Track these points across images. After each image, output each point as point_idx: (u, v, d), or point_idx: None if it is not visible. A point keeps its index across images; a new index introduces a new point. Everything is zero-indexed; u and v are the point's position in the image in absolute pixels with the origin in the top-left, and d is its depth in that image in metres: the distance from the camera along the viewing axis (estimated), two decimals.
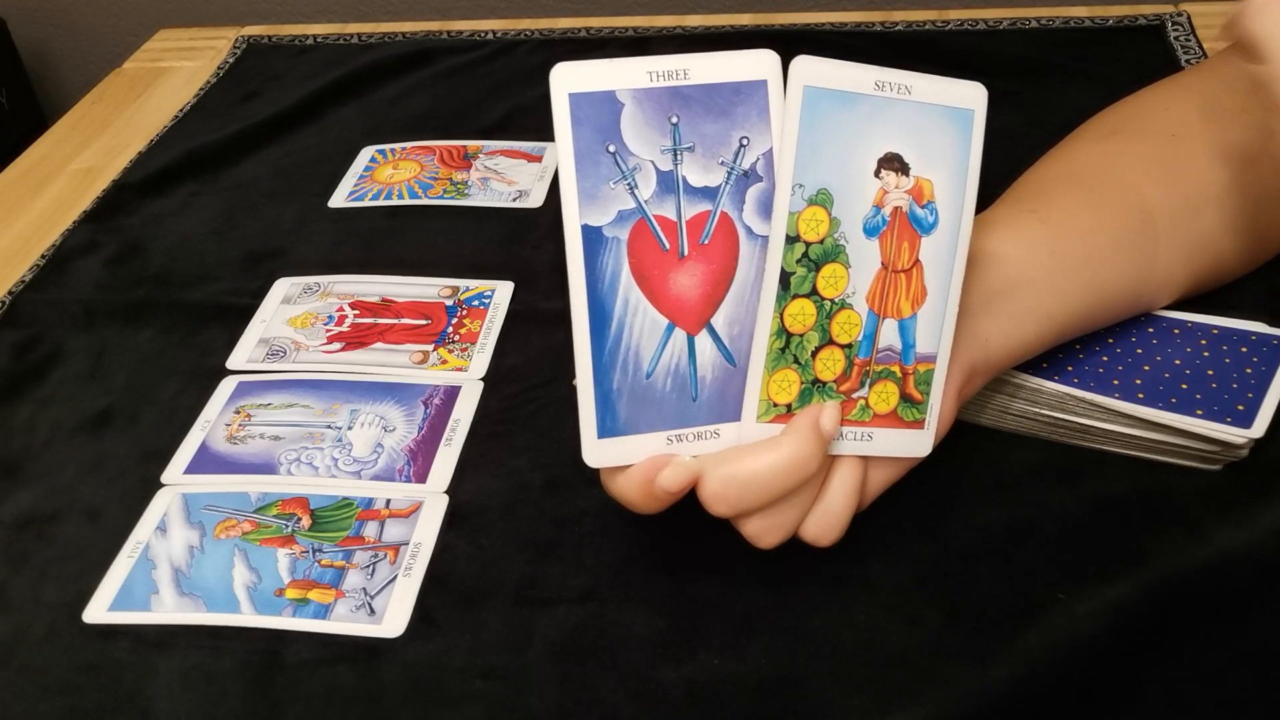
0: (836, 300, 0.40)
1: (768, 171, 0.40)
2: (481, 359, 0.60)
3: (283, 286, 0.66)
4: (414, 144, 0.79)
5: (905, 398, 0.42)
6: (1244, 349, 0.50)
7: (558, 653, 0.45)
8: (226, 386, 0.59)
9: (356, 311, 0.64)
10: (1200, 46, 0.79)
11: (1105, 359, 0.47)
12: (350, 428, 0.56)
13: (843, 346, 0.41)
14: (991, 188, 0.48)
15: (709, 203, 0.40)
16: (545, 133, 0.78)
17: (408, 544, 0.50)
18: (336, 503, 0.52)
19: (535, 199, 0.72)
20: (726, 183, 0.40)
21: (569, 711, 0.43)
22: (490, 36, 0.92)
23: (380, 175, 0.76)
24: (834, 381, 0.41)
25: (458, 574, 0.48)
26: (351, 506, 0.52)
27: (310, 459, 0.54)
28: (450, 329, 0.62)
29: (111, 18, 1.29)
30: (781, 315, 0.40)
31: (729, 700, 0.42)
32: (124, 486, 0.54)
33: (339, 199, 0.74)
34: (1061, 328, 0.46)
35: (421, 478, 0.53)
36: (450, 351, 0.60)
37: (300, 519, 0.51)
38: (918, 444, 0.43)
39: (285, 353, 0.61)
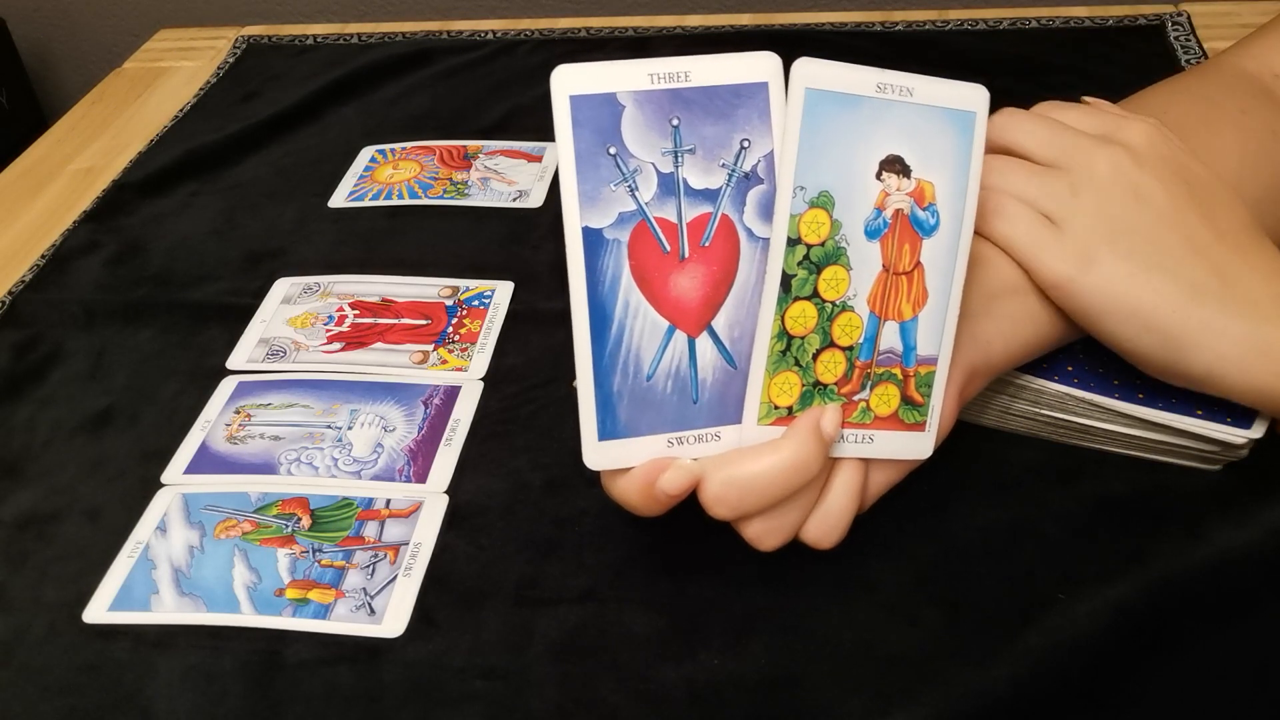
0: (837, 303, 0.40)
1: (769, 174, 0.40)
2: (481, 359, 0.60)
3: (283, 286, 0.66)
4: (414, 144, 0.79)
5: (906, 400, 0.42)
6: None
7: (558, 653, 0.45)
8: (226, 386, 0.59)
9: (356, 311, 0.64)
10: (1200, 46, 0.79)
11: (1106, 359, 0.47)
12: (350, 428, 0.56)
13: (844, 349, 0.41)
14: None
15: (710, 205, 0.40)
16: (545, 133, 0.78)
17: (408, 544, 0.50)
18: (336, 503, 0.52)
19: (535, 199, 0.72)
20: (727, 185, 0.40)
21: (569, 711, 0.43)
22: (490, 36, 0.92)
23: (380, 175, 0.76)
24: (835, 384, 0.41)
25: (458, 574, 0.48)
26: (351, 506, 0.52)
27: (310, 459, 0.54)
28: (450, 329, 0.62)
29: (111, 18, 1.29)
30: (782, 317, 0.40)
31: (729, 700, 0.42)
32: (124, 486, 0.54)
33: (339, 199, 0.74)
34: (1062, 331, 0.46)
35: (421, 478, 0.53)
36: (450, 351, 0.60)
37: (300, 519, 0.51)
38: (918, 446, 0.43)
39: (285, 353, 0.61)
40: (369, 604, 0.47)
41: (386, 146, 0.79)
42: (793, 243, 0.39)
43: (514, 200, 0.72)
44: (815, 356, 0.41)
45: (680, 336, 0.40)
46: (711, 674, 0.43)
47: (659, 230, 0.39)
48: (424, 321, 0.62)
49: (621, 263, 0.39)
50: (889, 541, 0.47)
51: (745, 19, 0.92)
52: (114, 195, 0.76)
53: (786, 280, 0.39)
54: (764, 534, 0.42)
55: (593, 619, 0.46)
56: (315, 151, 0.80)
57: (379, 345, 0.61)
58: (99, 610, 0.48)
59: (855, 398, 0.42)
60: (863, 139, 0.39)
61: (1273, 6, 0.84)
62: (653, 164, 0.39)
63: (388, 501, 0.52)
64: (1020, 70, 0.79)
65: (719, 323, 0.40)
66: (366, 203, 0.74)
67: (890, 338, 0.42)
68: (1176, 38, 0.81)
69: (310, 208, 0.74)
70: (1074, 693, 0.41)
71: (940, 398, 0.43)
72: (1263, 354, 0.43)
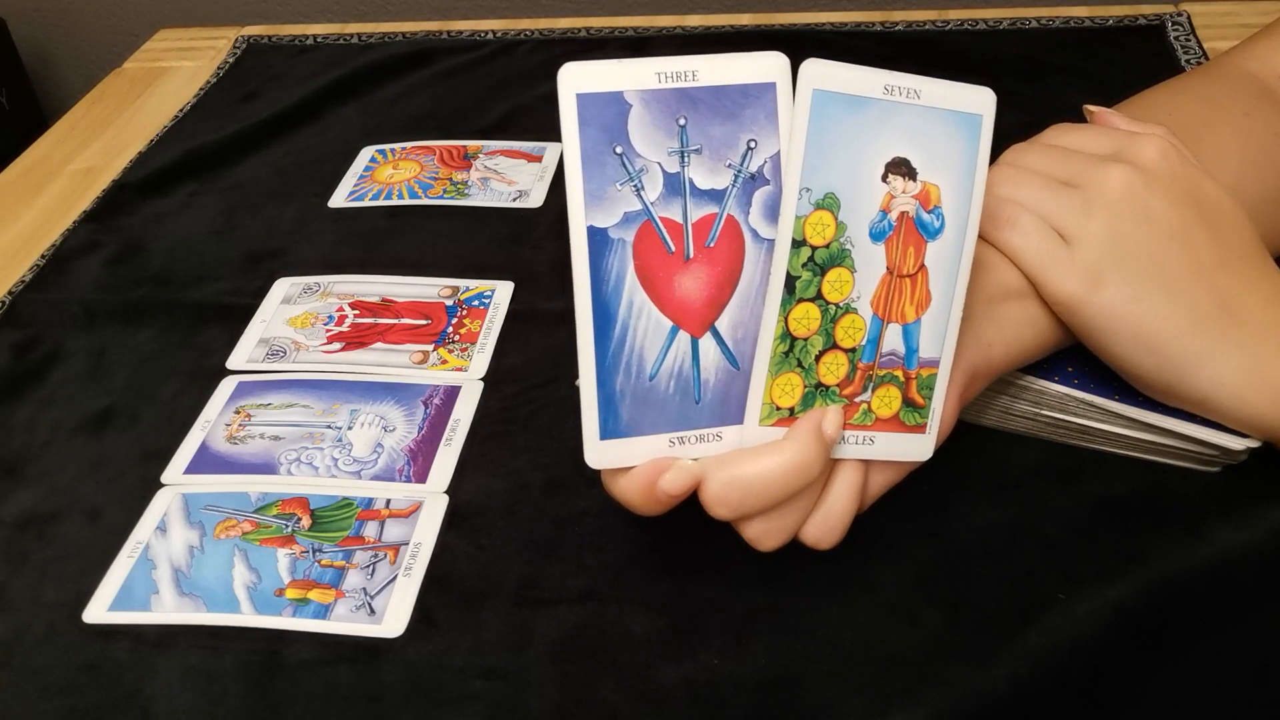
0: (841, 304, 0.40)
1: (775, 175, 0.40)
2: (481, 359, 0.60)
3: (283, 286, 0.66)
4: (414, 144, 0.79)
5: (907, 402, 0.42)
6: None
7: (558, 653, 0.45)
8: (226, 386, 0.59)
9: (356, 311, 0.64)
10: (1200, 46, 0.79)
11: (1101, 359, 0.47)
12: (350, 428, 0.56)
13: (846, 350, 0.41)
14: None
15: (715, 205, 0.40)
16: (545, 133, 0.78)
17: (408, 544, 0.50)
18: (336, 503, 0.52)
19: (535, 199, 0.72)
20: (733, 185, 0.39)
21: (569, 711, 0.43)
22: (490, 36, 0.92)
23: (380, 175, 0.76)
24: (837, 385, 0.41)
25: (458, 574, 0.48)
26: (351, 506, 0.52)
27: (310, 459, 0.54)
28: (450, 329, 0.62)
29: (111, 18, 1.29)
30: (786, 319, 0.40)
31: (729, 700, 0.42)
32: (124, 486, 0.54)
33: (339, 199, 0.74)
34: (1062, 336, 0.46)
35: (421, 478, 0.53)
36: (450, 351, 0.60)
37: (300, 519, 0.51)
38: (919, 448, 0.43)
39: (285, 353, 0.61)
40: (369, 604, 0.47)
41: (386, 146, 0.79)
42: (798, 244, 0.39)
43: (514, 200, 0.72)
44: (818, 358, 0.41)
45: (684, 337, 0.40)
46: (711, 674, 0.43)
47: (664, 230, 0.39)
48: (424, 321, 0.62)
49: (626, 262, 0.39)
50: (889, 541, 0.47)
51: (745, 19, 0.92)
52: (114, 195, 0.76)
53: (791, 282, 0.39)
54: (764, 534, 0.42)
55: (593, 619, 0.46)
56: (315, 151, 0.80)
57: (379, 345, 0.61)
58: (99, 610, 0.48)
59: (857, 399, 0.42)
60: (869, 141, 0.39)
61: (1274, 6, 0.84)
62: (659, 163, 0.39)
63: (388, 501, 0.52)
64: (1020, 70, 0.79)
65: (722, 323, 0.40)
66: (366, 203, 0.74)
67: (893, 340, 0.42)
68: (1176, 38, 0.81)
69: (310, 208, 0.74)
70: (1074, 693, 0.41)
71: (941, 400, 0.43)
72: (1260, 382, 0.44)
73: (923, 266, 0.41)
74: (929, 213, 0.41)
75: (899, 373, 0.42)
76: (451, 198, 0.73)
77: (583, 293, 0.39)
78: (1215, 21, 0.82)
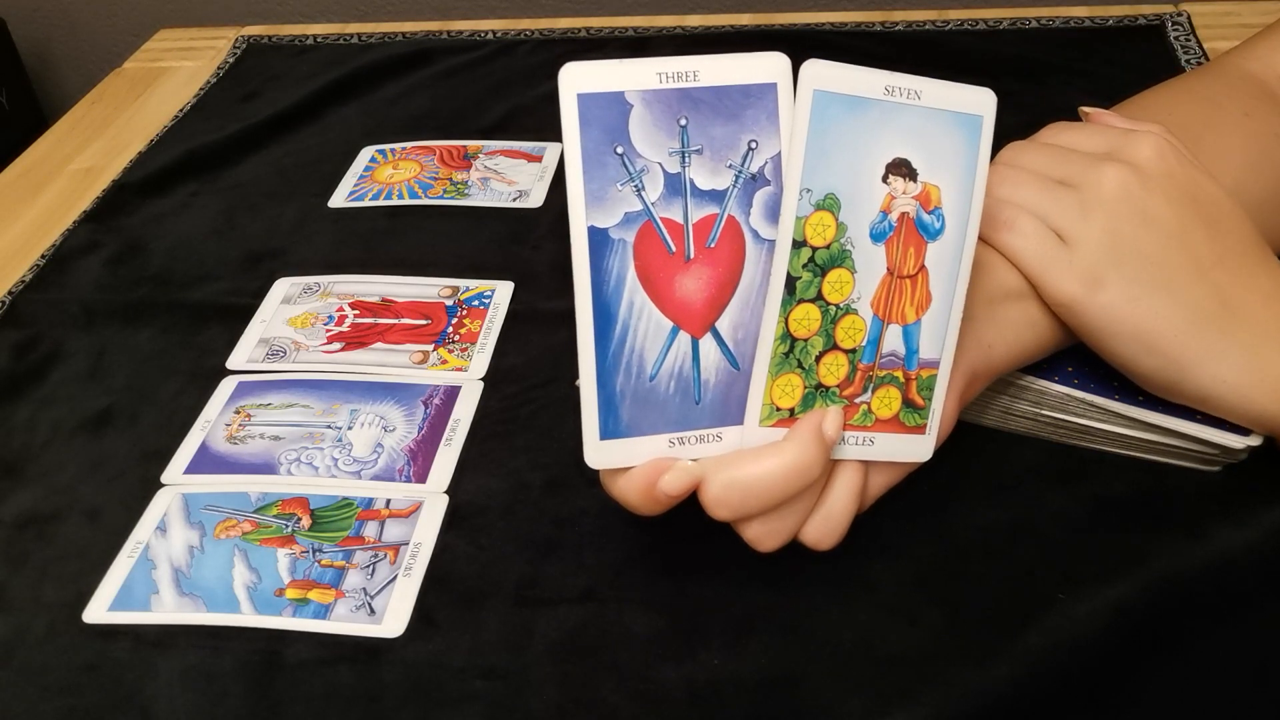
0: (841, 305, 0.40)
1: (775, 175, 0.40)
2: (481, 359, 0.60)
3: (283, 286, 0.66)
4: (414, 144, 0.79)
5: (907, 403, 0.42)
6: None
7: (558, 653, 0.45)
8: (226, 386, 0.59)
9: (356, 311, 0.64)
10: (1200, 46, 0.79)
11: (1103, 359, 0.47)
12: (350, 428, 0.56)
13: (847, 351, 0.41)
14: None
15: (716, 206, 0.40)
16: (545, 133, 0.78)
17: (408, 544, 0.50)
18: (336, 503, 0.52)
19: (535, 199, 0.72)
20: (734, 186, 0.39)
21: (569, 711, 0.43)
22: (490, 36, 0.92)
23: (380, 175, 0.76)
24: (837, 386, 0.41)
25: (458, 574, 0.48)
26: (351, 506, 0.52)
27: (310, 459, 0.54)
28: (450, 329, 0.62)
29: (111, 18, 1.29)
30: (786, 320, 0.40)
31: (729, 700, 0.42)
32: (124, 486, 0.54)
33: (339, 199, 0.74)
34: (1062, 336, 0.46)
35: (421, 478, 0.53)
36: (450, 351, 0.60)
37: (300, 519, 0.51)
38: (918, 449, 0.43)
39: (285, 353, 0.61)
40: (369, 604, 0.47)
41: (386, 146, 0.79)
42: (798, 245, 0.39)
43: (514, 200, 0.72)
44: (818, 359, 0.41)
45: (684, 337, 0.40)
46: (711, 674, 0.43)
47: (665, 231, 0.39)
48: (424, 321, 0.62)
49: (627, 263, 0.39)
50: (889, 541, 0.47)
51: (745, 19, 0.92)
52: (114, 195, 0.76)
53: (791, 282, 0.39)
54: (764, 535, 0.42)
55: (593, 619, 0.46)
56: (315, 151, 0.80)
57: (379, 345, 0.61)
58: (99, 610, 0.48)
59: (857, 400, 0.42)
60: (870, 142, 0.39)
61: (1274, 6, 0.84)
62: (660, 164, 0.39)
63: (388, 501, 0.52)
64: (1020, 70, 0.79)
65: (723, 324, 0.40)
66: (366, 203, 0.74)
67: (893, 341, 0.42)
68: (1176, 38, 0.81)
69: (310, 208, 0.74)
70: (1074, 693, 0.41)
71: (941, 401, 0.43)
72: (1261, 379, 0.44)
73: (923, 267, 0.41)
74: (929, 213, 0.41)
75: (899, 373, 0.42)
76: (451, 198, 0.73)
77: (583, 293, 0.39)
78: (1215, 21, 0.82)
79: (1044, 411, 0.49)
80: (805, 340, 0.40)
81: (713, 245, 0.40)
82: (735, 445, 0.41)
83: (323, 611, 0.47)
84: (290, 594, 0.48)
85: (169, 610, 0.48)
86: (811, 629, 0.44)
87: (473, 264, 0.67)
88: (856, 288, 0.40)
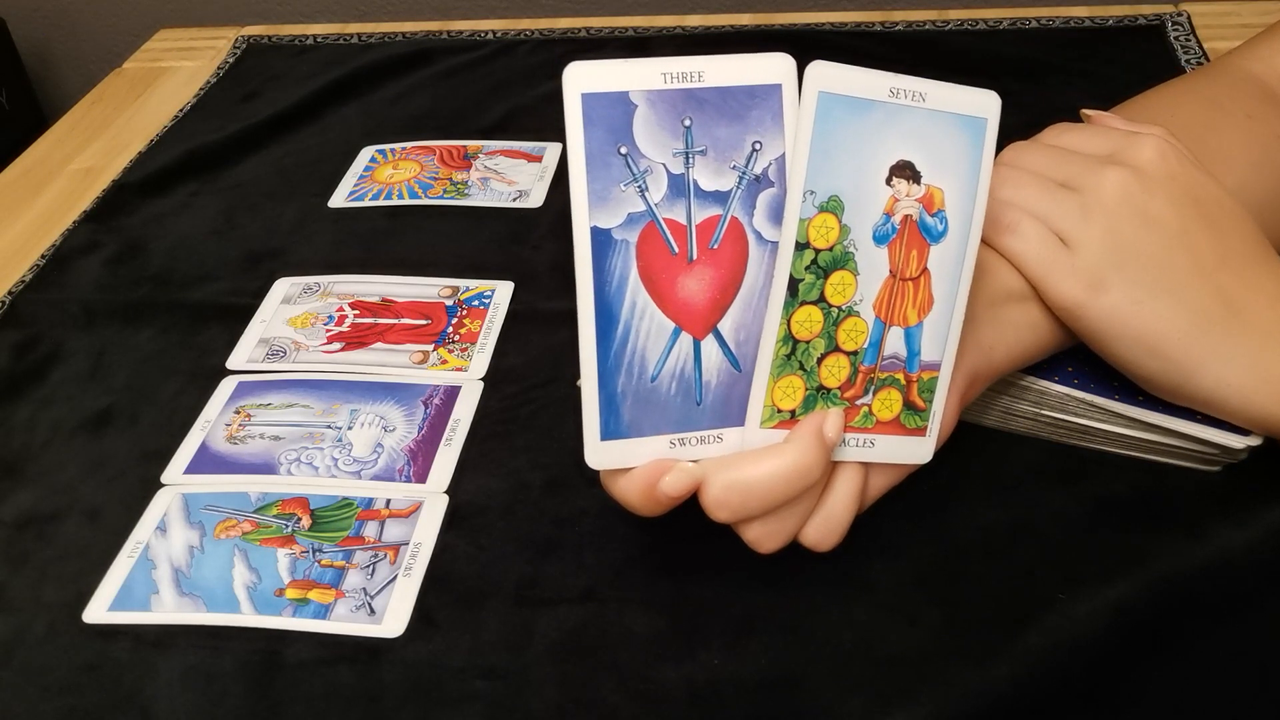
0: (844, 307, 0.40)
1: (779, 177, 0.39)
2: (481, 359, 0.60)
3: (283, 286, 0.66)
4: (414, 144, 0.79)
5: (908, 405, 0.42)
6: None
7: (558, 653, 0.45)
8: (226, 386, 0.59)
9: (356, 311, 0.64)
10: (1200, 46, 0.79)
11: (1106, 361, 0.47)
12: (350, 428, 0.56)
13: (848, 353, 0.41)
14: None
15: (719, 207, 0.39)
16: (545, 133, 0.78)
17: (408, 544, 0.50)
18: (336, 503, 0.52)
19: (535, 199, 0.72)
20: (738, 187, 0.39)
21: (569, 711, 0.43)
22: (490, 36, 0.92)
23: (380, 175, 0.76)
24: (838, 388, 0.41)
25: (458, 574, 0.48)
26: (351, 506, 0.52)
27: (310, 459, 0.54)
28: (450, 329, 0.62)
29: (111, 18, 1.29)
30: (788, 321, 0.40)
31: (729, 700, 0.42)
32: (124, 486, 0.54)
33: (339, 199, 0.74)
34: (1062, 338, 0.46)
35: (421, 478, 0.53)
36: (450, 351, 0.60)
37: (300, 519, 0.51)
38: (919, 451, 0.43)
39: (285, 353, 0.61)
40: (369, 604, 0.47)
41: (386, 146, 0.79)
42: (801, 247, 0.39)
43: (514, 200, 0.72)
44: (820, 360, 0.41)
45: (686, 338, 0.40)
46: (711, 674, 0.43)
47: (668, 232, 0.39)
48: (424, 321, 0.62)
49: (629, 263, 0.39)
50: (889, 541, 0.47)
51: (745, 19, 0.92)
52: (114, 195, 0.76)
53: (794, 284, 0.39)
54: (764, 537, 0.42)
55: (593, 619, 0.46)
56: (315, 151, 0.80)
57: (379, 345, 0.61)
58: (99, 610, 0.48)
59: (858, 402, 0.42)
60: (874, 144, 0.39)
61: (1274, 6, 0.84)
62: (663, 165, 0.39)
63: (388, 501, 0.52)
64: (1020, 70, 0.79)
65: (725, 325, 0.40)
66: (366, 203, 0.74)
67: (895, 343, 0.41)
68: (1176, 38, 0.81)
69: (310, 208, 0.74)
70: (1074, 693, 0.41)
71: (942, 403, 0.43)
72: (1265, 381, 0.43)
73: (925, 270, 0.41)
74: (932, 216, 0.41)
75: (900, 376, 0.42)
76: (451, 198, 0.73)
77: (585, 293, 0.39)
78: (1215, 22, 0.82)
79: (1044, 412, 0.49)
80: (807, 342, 0.40)
81: (716, 246, 0.40)
82: (736, 447, 0.41)
83: (323, 611, 0.47)
84: (290, 594, 0.48)
85: (169, 610, 0.48)
86: (811, 629, 0.44)
87: (473, 264, 0.67)
88: (859, 290, 0.40)
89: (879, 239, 0.40)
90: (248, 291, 0.66)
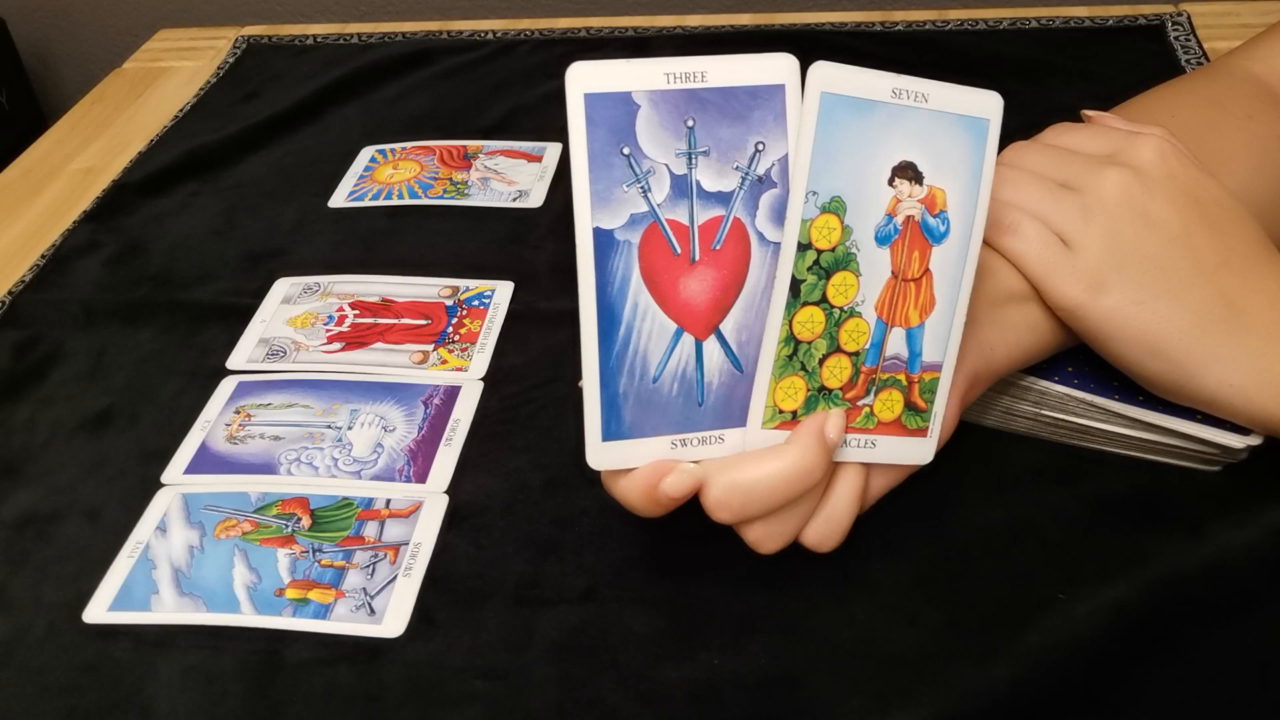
0: (846, 308, 0.40)
1: (782, 178, 0.39)
2: (481, 359, 0.60)
3: (283, 286, 0.66)
4: (414, 144, 0.79)
5: (910, 406, 0.42)
6: None
7: (558, 653, 0.45)
8: (226, 386, 0.59)
9: (356, 311, 0.64)
10: (1200, 46, 0.79)
11: (1106, 361, 0.47)
12: (350, 428, 0.56)
13: (850, 354, 0.41)
14: None
15: (722, 208, 0.39)
16: (545, 133, 0.78)
17: (408, 544, 0.50)
18: (336, 503, 0.52)
19: (535, 199, 0.72)
20: (740, 188, 0.39)
21: (569, 711, 0.43)
22: (490, 36, 0.92)
23: (380, 175, 0.76)
24: (840, 389, 0.41)
25: (458, 574, 0.48)
26: (351, 506, 0.52)
27: (310, 459, 0.54)
28: (450, 329, 0.62)
29: (111, 18, 1.29)
30: (790, 322, 0.40)
31: (729, 700, 0.42)
32: (124, 486, 0.54)
33: (339, 199, 0.74)
34: (1063, 338, 0.46)
35: (421, 478, 0.53)
36: (450, 351, 0.60)
37: (300, 519, 0.51)
38: (920, 452, 0.43)
39: (285, 353, 0.61)
40: (369, 604, 0.47)
41: (386, 146, 0.79)
42: (803, 248, 0.39)
43: (514, 200, 0.72)
44: (821, 361, 0.41)
45: (688, 339, 0.40)
46: (711, 674, 0.43)
47: (670, 233, 0.39)
48: (424, 321, 0.62)
49: (631, 264, 0.39)
50: (889, 541, 0.47)
51: (745, 19, 0.92)
52: (114, 195, 0.76)
53: (796, 285, 0.39)
54: (765, 538, 0.42)
55: (593, 619, 0.46)
56: (315, 151, 0.80)
57: (379, 345, 0.61)
58: (99, 610, 0.48)
59: (859, 403, 0.42)
60: (876, 144, 0.39)
61: (1274, 6, 0.84)
62: (666, 165, 0.39)
63: (388, 501, 0.52)
64: (1020, 70, 0.79)
65: (727, 326, 0.40)
66: (366, 203, 0.74)
67: (896, 344, 0.41)
68: (1176, 38, 0.81)
69: (310, 208, 0.74)
70: (1074, 693, 0.41)
71: (943, 404, 0.43)
72: (1267, 381, 0.43)
73: (927, 271, 0.41)
74: (935, 217, 0.41)
75: (902, 376, 0.42)
76: (451, 198, 0.73)
77: (587, 294, 0.39)
78: (1215, 21, 0.82)
79: (1044, 412, 0.49)
80: (809, 343, 0.40)
81: (718, 247, 0.40)
82: (737, 447, 0.41)
83: (323, 611, 0.47)
84: (290, 594, 0.48)
85: (169, 610, 0.48)
86: (811, 629, 0.44)
87: (473, 264, 0.67)
88: (861, 291, 0.40)
89: (881, 240, 0.40)
90: (248, 291, 0.66)
